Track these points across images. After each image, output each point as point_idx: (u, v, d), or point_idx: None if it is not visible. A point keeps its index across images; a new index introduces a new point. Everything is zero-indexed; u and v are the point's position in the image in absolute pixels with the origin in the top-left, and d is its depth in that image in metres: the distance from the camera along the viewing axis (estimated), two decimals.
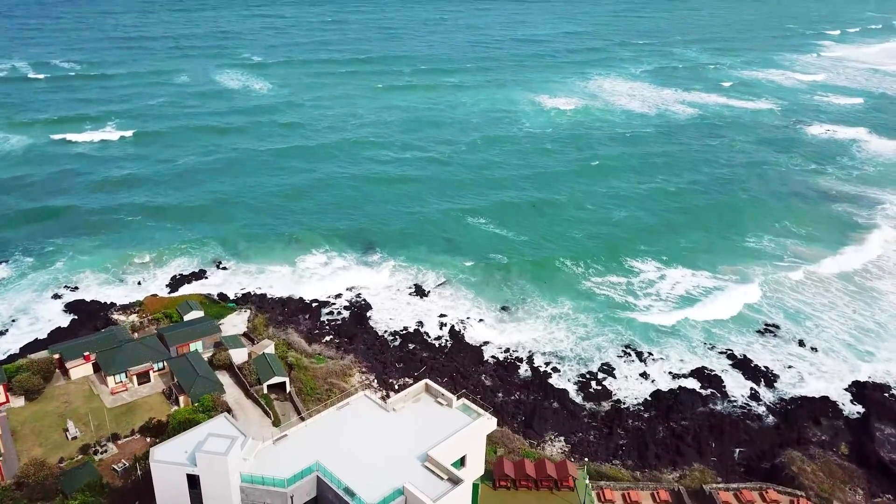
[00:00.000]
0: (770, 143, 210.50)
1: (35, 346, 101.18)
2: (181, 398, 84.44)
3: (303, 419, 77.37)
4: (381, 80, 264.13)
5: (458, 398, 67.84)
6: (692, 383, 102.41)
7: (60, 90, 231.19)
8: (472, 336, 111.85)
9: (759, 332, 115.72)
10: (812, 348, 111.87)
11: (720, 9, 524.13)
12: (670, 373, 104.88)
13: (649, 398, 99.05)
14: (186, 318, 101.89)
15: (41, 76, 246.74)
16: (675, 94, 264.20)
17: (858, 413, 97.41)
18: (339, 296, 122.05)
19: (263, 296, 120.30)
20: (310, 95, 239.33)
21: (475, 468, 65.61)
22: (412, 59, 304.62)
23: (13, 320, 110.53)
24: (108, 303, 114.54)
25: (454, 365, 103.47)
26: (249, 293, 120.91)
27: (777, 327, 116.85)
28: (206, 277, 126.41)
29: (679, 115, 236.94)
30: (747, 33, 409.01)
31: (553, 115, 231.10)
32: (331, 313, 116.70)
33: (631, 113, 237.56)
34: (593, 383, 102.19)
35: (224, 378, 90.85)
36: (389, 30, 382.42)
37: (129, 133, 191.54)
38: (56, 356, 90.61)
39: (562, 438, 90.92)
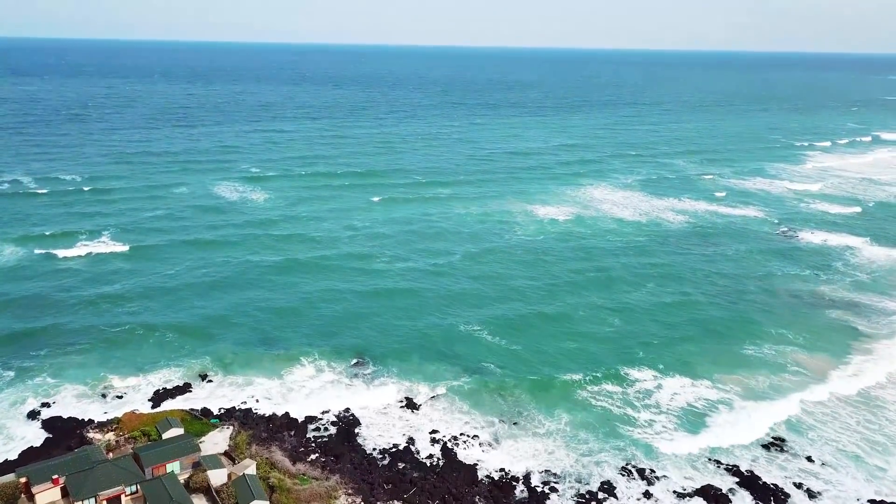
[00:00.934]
0: (762, 251, 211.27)
1: (4, 468, 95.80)
2: None
3: None
4: (378, 192, 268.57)
5: None
6: (699, 503, 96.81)
7: (58, 204, 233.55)
8: (466, 454, 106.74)
9: (763, 446, 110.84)
10: (821, 463, 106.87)
11: (705, 122, 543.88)
12: (674, 492, 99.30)
13: None
14: (165, 436, 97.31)
15: (41, 190, 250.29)
16: (665, 203, 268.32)
17: None
18: (326, 411, 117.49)
19: (248, 411, 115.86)
20: (306, 208, 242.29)
21: None
22: (408, 171, 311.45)
23: None
24: (86, 420, 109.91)
25: (446, 486, 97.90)
26: (234, 408, 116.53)
27: (782, 440, 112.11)
28: (191, 391, 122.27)
29: (671, 224, 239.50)
30: (733, 144, 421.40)
31: (546, 224, 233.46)
32: (317, 429, 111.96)
33: (623, 221, 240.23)
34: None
35: (201, 502, 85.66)
36: (387, 144, 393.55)
37: (122, 247, 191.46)
38: (23, 480, 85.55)
39: None
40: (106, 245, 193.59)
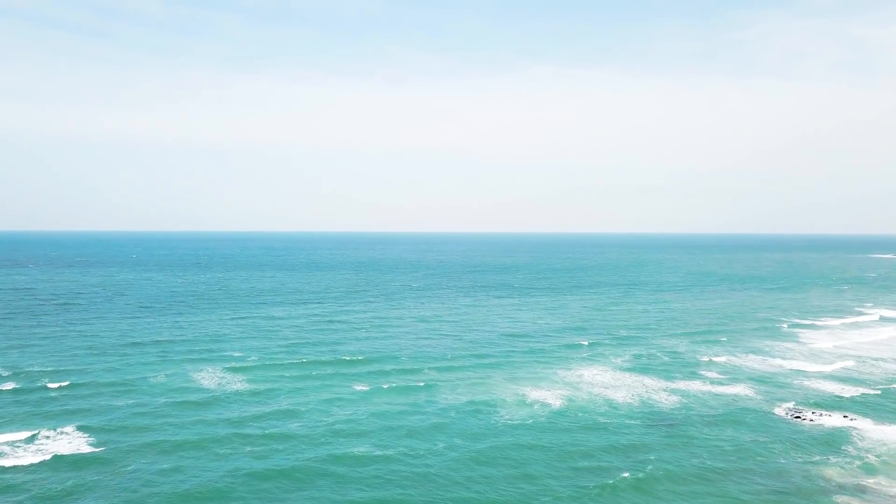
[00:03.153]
0: (764, 435, 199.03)
1: None
2: None
3: None
4: (364, 380, 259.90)
5: None
6: None
7: (23, 402, 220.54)
8: None
9: None
10: None
11: (693, 301, 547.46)
12: None
13: None
14: None
15: (8, 385, 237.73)
16: (658, 384, 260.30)
17: None
18: None
19: None
20: (287, 401, 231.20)
21: None
22: (396, 357, 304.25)
23: None
24: None
25: None
26: None
27: None
28: None
29: (664, 405, 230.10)
30: (725, 324, 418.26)
31: (536, 408, 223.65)
32: None
33: (615, 403, 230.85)
34: None
35: None
36: (376, 327, 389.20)
37: (83, 449, 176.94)
38: None
39: None
40: (67, 446, 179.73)
